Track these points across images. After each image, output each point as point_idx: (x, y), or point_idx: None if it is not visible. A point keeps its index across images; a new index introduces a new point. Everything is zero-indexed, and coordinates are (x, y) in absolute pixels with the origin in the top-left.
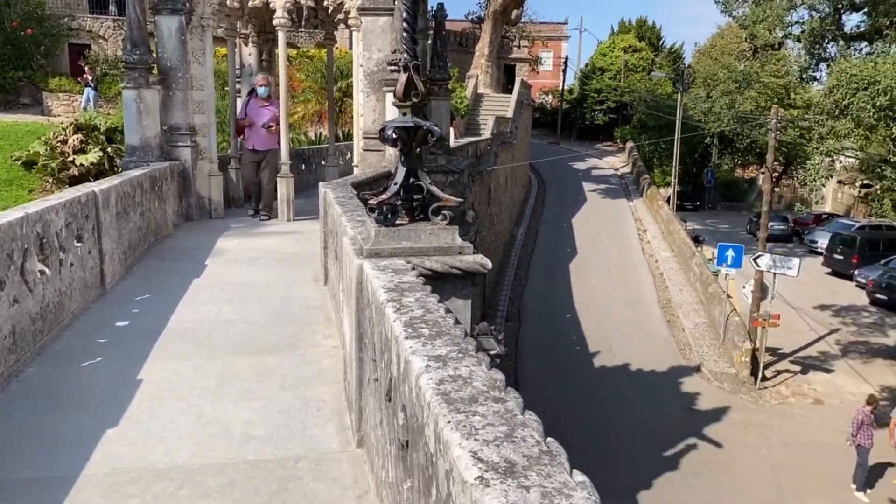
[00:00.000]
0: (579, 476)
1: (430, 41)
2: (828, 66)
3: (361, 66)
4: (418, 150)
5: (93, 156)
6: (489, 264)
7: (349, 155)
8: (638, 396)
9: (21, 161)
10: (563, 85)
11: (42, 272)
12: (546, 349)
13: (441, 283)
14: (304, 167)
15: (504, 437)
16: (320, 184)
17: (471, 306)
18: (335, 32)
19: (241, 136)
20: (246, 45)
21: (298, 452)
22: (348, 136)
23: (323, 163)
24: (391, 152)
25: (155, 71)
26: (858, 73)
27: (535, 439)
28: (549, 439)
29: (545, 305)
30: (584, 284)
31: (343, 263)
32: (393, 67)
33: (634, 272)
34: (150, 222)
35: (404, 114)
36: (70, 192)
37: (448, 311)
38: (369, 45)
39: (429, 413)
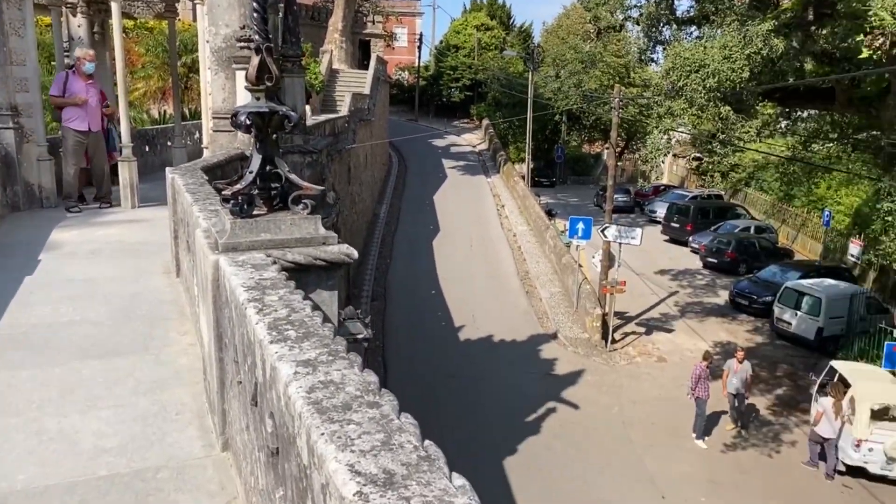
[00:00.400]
0: (459, 480)
1: (280, 15)
2: (664, 48)
3: (208, 41)
4: (274, 136)
5: None
6: (355, 254)
7: (197, 135)
8: (502, 366)
9: None
10: (419, 62)
11: None
12: (412, 326)
13: (305, 275)
14: (147, 149)
15: (381, 446)
16: (167, 169)
17: (337, 297)
18: (176, 4)
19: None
20: (74, 15)
21: (158, 462)
22: (195, 115)
23: (169, 144)
24: (244, 135)
25: None
26: (690, 56)
27: (413, 444)
28: (427, 442)
29: (410, 283)
30: (448, 260)
31: (197, 257)
32: (243, 44)
33: (494, 247)
34: None
35: (258, 98)
36: None
37: (315, 307)
38: (216, 19)
39: (300, 424)
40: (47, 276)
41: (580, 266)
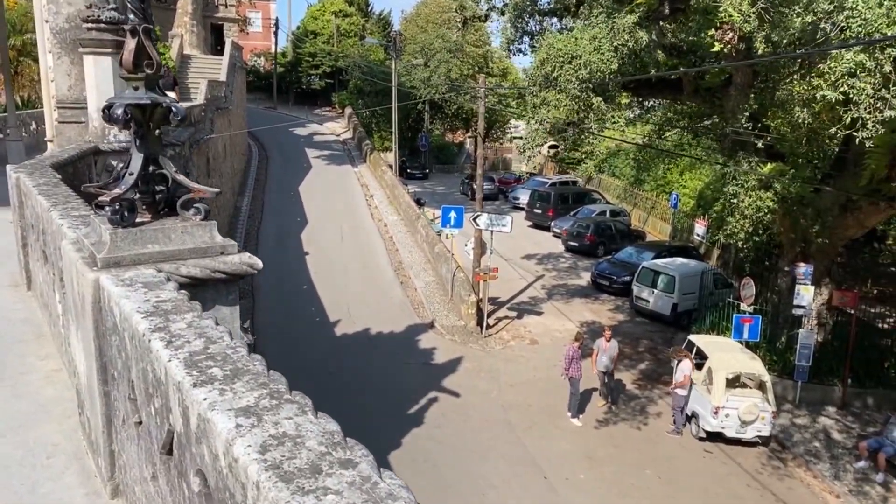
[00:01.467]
0: None
1: None
2: (531, 39)
3: (48, 21)
4: (157, 131)
5: None
6: (259, 264)
7: (34, 125)
8: (381, 359)
9: None
10: (276, 48)
11: None
12: (285, 324)
13: (202, 290)
14: None
15: None
16: (9, 168)
17: (238, 311)
18: None
19: None
20: None
21: None
22: (28, 104)
23: (0, 136)
24: (96, 125)
25: None
26: (563, 47)
27: None
28: None
29: (280, 279)
30: (318, 253)
31: (67, 274)
32: (90, 25)
33: (366, 237)
34: None
35: (136, 88)
36: None
37: (231, 334)
38: None
39: (259, 495)
40: None
41: (452, 254)
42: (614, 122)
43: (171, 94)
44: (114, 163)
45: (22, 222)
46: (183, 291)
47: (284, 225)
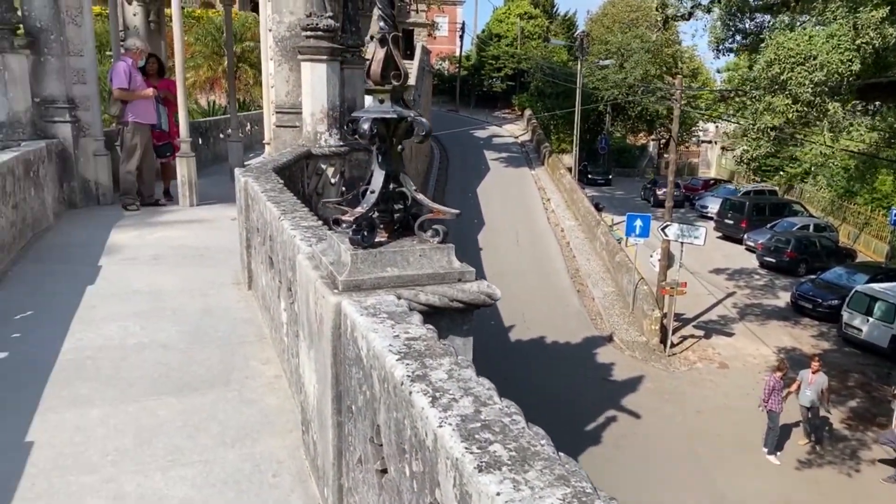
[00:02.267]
0: None
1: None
2: (744, 37)
3: (271, 30)
4: (399, 147)
5: None
6: (498, 294)
7: (248, 127)
8: (556, 369)
9: None
10: (461, 51)
11: None
12: None
13: (437, 318)
14: (201, 142)
15: None
16: (237, 171)
17: (471, 344)
18: None
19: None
20: (129, 2)
21: None
22: (242, 107)
23: (221, 136)
24: (309, 129)
25: (21, 32)
26: (795, 46)
27: None
28: None
29: None
30: (494, 256)
31: (301, 289)
32: (309, 33)
33: (542, 242)
34: (25, 215)
35: (381, 101)
36: None
37: (504, 400)
38: (280, 6)
39: None
40: (109, 285)
41: (634, 265)
42: (851, 130)
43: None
44: (323, 166)
45: (247, 224)
46: (429, 326)
47: (463, 226)
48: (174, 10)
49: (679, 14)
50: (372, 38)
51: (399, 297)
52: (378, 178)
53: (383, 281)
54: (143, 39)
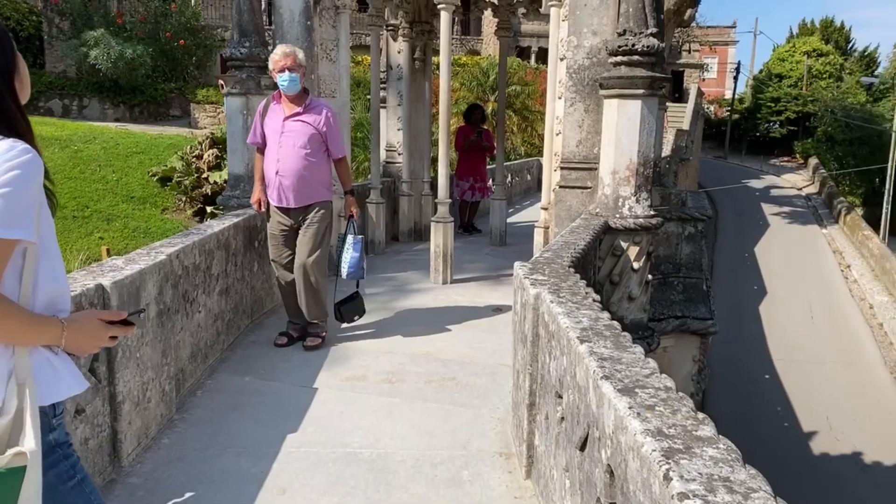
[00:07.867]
0: None
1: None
2: None
3: (563, 59)
4: None
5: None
6: None
7: (509, 178)
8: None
9: (157, 177)
10: (734, 93)
11: None
12: (741, 421)
13: None
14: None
15: None
16: (516, 265)
17: None
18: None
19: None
20: (395, 39)
21: None
22: (508, 156)
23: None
24: (607, 192)
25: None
26: None
27: None
28: None
29: (734, 354)
30: (781, 334)
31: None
32: (620, 58)
33: (844, 321)
34: (240, 301)
35: None
36: None
37: None
38: (580, 25)
39: None
40: (317, 436)
41: None
42: None
43: None
44: (623, 244)
45: (532, 369)
46: None
47: (738, 292)
48: (443, 34)
49: None
50: None
51: None
52: None
53: None
54: (406, 79)
